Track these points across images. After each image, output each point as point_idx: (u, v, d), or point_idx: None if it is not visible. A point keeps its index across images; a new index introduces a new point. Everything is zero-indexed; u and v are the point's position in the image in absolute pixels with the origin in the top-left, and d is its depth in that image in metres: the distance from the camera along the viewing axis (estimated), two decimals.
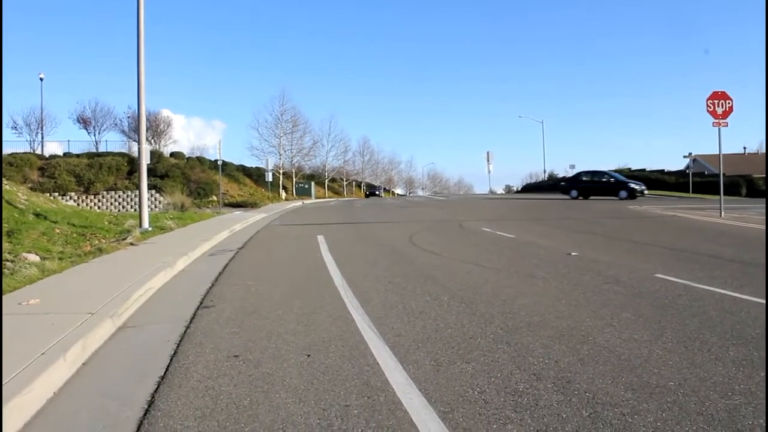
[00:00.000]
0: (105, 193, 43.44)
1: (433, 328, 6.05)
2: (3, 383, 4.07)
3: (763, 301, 6.84)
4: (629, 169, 63.10)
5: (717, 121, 19.40)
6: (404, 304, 7.31)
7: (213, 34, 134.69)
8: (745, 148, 69.96)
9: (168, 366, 5.08)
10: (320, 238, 15.92)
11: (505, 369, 4.69)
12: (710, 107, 19.31)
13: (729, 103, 19.31)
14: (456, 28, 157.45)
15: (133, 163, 42.00)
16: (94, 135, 56.46)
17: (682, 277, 8.62)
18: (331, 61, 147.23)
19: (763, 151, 70.54)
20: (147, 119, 46.83)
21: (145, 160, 17.67)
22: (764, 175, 50.01)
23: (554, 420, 3.66)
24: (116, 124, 57.31)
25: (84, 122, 56.14)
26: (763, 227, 16.24)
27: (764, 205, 24.07)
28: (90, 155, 48.10)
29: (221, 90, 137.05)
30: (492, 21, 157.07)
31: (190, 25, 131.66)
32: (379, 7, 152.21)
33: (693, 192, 47.16)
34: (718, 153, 20.56)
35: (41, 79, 55.23)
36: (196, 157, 56.46)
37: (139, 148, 17.92)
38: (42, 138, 55.19)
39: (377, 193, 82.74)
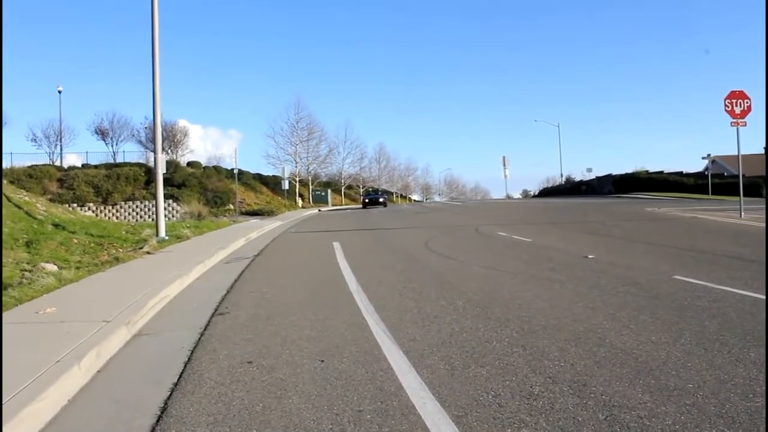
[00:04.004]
0: (123, 203, 43.81)
1: (448, 333, 6.00)
2: (17, 391, 4.08)
3: None
4: (647, 171, 62.52)
5: (735, 120, 19.18)
6: (419, 308, 7.27)
7: (228, 44, 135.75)
8: (765, 148, 68.88)
9: (182, 373, 5.07)
10: (336, 245, 15.91)
11: (520, 372, 4.63)
12: (728, 107, 19.09)
13: (747, 103, 19.09)
14: (472, 32, 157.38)
15: (150, 173, 42.32)
16: (112, 146, 57.03)
17: (701, 278, 8.49)
18: (347, 68, 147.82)
19: None
20: (164, 129, 47.19)
21: (161, 170, 17.78)
22: None
23: (570, 423, 3.60)
24: (133, 135, 57.82)
25: (102, 133, 56.71)
26: None
27: None
28: (108, 166, 48.56)
29: (237, 99, 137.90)
30: (507, 24, 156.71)
31: (206, 36, 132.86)
32: (393, 12, 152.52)
33: (712, 194, 46.58)
34: (736, 154, 20.34)
35: (59, 92, 55.86)
36: (213, 167, 56.80)
37: (155, 158, 18.04)
38: (61, 150, 55.78)
39: (380, 200, 55.82)
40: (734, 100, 19.11)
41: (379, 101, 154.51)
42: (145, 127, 54.55)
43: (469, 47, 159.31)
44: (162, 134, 19.70)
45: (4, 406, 3.80)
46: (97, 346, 5.49)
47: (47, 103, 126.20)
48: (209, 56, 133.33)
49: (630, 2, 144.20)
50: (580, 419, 3.65)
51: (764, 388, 4.04)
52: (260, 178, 62.48)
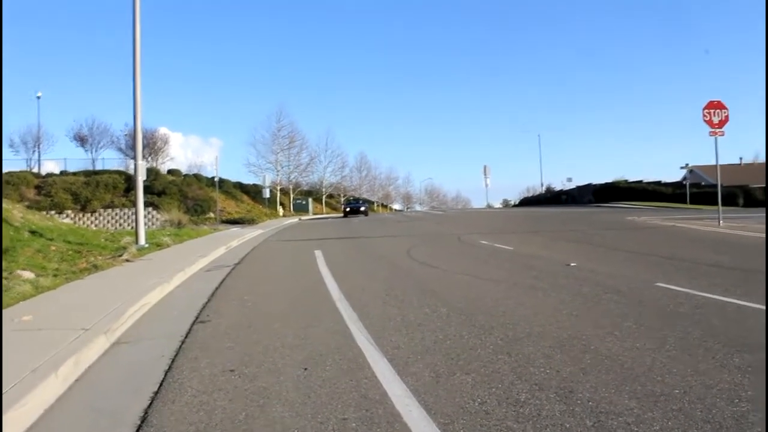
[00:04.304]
0: (102, 210, 43.31)
1: (432, 340, 5.95)
2: None
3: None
4: (626, 180, 63.13)
5: (714, 130, 19.44)
6: (403, 316, 7.21)
7: (209, 52, 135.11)
8: (741, 158, 69.94)
9: (162, 381, 4.97)
10: (317, 253, 15.83)
11: (506, 379, 4.60)
12: (706, 117, 19.34)
13: (725, 113, 19.35)
14: (453, 41, 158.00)
15: (130, 180, 41.89)
16: (91, 153, 56.43)
17: (683, 285, 8.53)
18: (329, 77, 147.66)
19: (760, 161, 70.70)
20: (144, 137, 46.82)
21: (141, 177, 17.61)
22: (762, 185, 50.17)
23: (557, 430, 3.56)
24: (113, 142, 57.27)
25: (81, 140, 56.10)
26: (763, 236, 16.17)
27: (763, 214, 24.02)
28: (87, 173, 48.07)
29: (219, 108, 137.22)
30: (488, 33, 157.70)
31: (188, 43, 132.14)
32: (375, 22, 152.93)
33: (690, 203, 47.11)
34: (714, 164, 20.58)
35: (38, 98, 55.28)
36: (193, 175, 56.48)
37: (135, 165, 17.86)
38: (39, 156, 55.16)
39: (361, 209, 54.53)
40: (712, 110, 19.36)
41: (360, 110, 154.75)
42: (125, 135, 54.13)
43: (449, 56, 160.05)
44: (142, 141, 19.51)
45: None
46: (75, 355, 5.37)
47: (25, 108, 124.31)
48: (190, 64, 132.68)
49: (610, 12, 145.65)
50: (568, 426, 3.62)
51: (750, 393, 4.04)
52: (241, 186, 62.18)
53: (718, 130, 19.37)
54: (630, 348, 5.36)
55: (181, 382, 4.94)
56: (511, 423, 3.71)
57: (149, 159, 54.22)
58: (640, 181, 61.69)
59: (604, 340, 5.69)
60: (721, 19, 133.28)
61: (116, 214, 43.41)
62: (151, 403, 4.42)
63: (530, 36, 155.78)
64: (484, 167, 62.35)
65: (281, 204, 61.87)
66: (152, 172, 47.20)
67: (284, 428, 3.80)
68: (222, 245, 18.71)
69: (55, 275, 10.57)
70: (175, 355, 5.81)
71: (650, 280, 9.17)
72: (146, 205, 33.81)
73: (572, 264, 11.36)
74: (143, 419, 4.09)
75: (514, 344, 5.67)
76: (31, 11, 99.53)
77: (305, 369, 5.14)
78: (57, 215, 38.43)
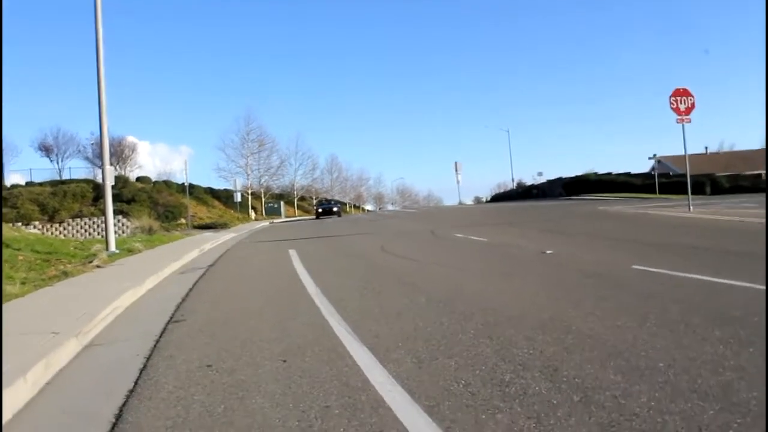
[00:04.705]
0: (70, 220, 42.58)
1: (412, 328, 5.87)
2: None
3: (743, 284, 6.80)
4: (596, 173, 63.79)
5: (681, 117, 19.66)
6: (381, 307, 7.13)
7: (174, 59, 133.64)
8: (706, 147, 71.06)
9: (137, 380, 4.82)
10: (292, 252, 15.67)
11: (489, 361, 4.53)
12: (673, 104, 19.56)
13: (691, 100, 19.58)
14: (419, 41, 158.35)
15: (98, 189, 41.20)
16: (58, 163, 55.42)
17: (659, 267, 8.56)
18: (297, 81, 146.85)
19: (725, 149, 72.01)
20: (111, 145, 46.14)
21: (110, 181, 17.29)
22: (728, 174, 51.10)
23: (545, 407, 3.50)
24: (80, 151, 56.19)
25: (46, 150, 55.06)
26: (732, 219, 16.40)
27: (731, 201, 24.38)
28: (54, 183, 47.26)
29: (186, 115, 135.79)
30: (455, 32, 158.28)
31: (153, 50, 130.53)
32: (341, 24, 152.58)
33: (659, 193, 47.70)
34: (681, 154, 20.83)
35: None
36: (163, 181, 55.89)
37: (102, 170, 17.53)
38: (2, 168, 54.02)
39: (334, 210, 53.78)
40: (679, 98, 19.59)
41: (330, 113, 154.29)
42: (92, 144, 53.20)
43: (416, 56, 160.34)
44: (110, 149, 19.20)
45: None
46: (45, 358, 5.18)
47: None
48: (156, 72, 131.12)
49: (574, 6, 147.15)
50: (555, 402, 3.56)
51: (733, 363, 4.03)
52: (212, 192, 61.69)
53: (685, 117, 19.60)
54: (611, 326, 5.34)
55: (156, 379, 4.79)
56: (497, 402, 3.65)
57: (117, 167, 53.37)
58: (610, 173, 62.38)
59: (585, 320, 5.65)
60: (686, 5, 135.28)
61: (85, 224, 42.70)
62: (126, 401, 4.26)
63: (496, 33, 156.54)
64: (455, 163, 62.61)
65: (253, 208, 61.44)
66: (121, 180, 46.56)
67: (265, 418, 3.69)
68: (195, 248, 18.45)
69: (23, 283, 10.29)
70: (150, 354, 5.65)
71: (627, 263, 9.20)
72: (116, 213, 33.33)
73: (548, 251, 11.38)
74: (118, 417, 3.94)
75: (495, 328, 5.61)
76: None
77: (284, 361, 5.02)
78: (24, 227, 37.72)
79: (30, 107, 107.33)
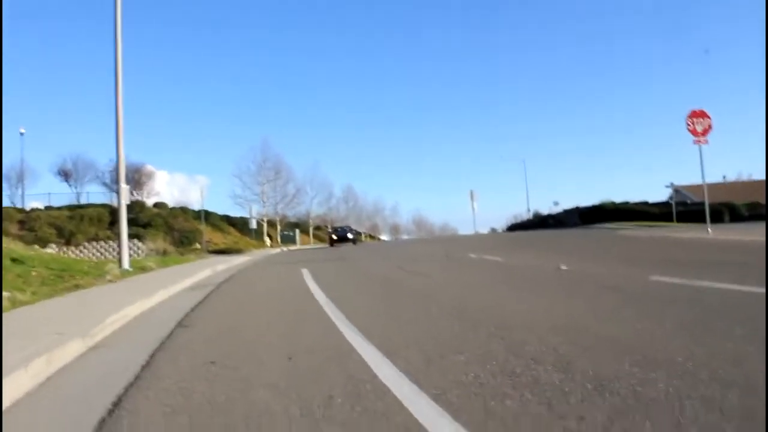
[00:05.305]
0: (86, 243, 42.79)
1: (423, 332, 5.72)
2: None
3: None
4: (613, 202, 63.27)
5: (697, 139, 19.48)
6: (393, 315, 7.01)
7: (193, 89, 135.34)
8: (724, 176, 70.52)
9: (138, 374, 4.72)
10: (304, 271, 15.55)
11: (500, 357, 4.37)
12: (690, 125, 19.39)
13: (708, 122, 19.42)
14: (435, 72, 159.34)
15: (114, 213, 41.36)
16: (76, 188, 55.92)
17: (678, 277, 8.35)
18: (314, 111, 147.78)
19: (743, 179, 71.34)
20: (129, 171, 46.50)
21: (125, 200, 17.37)
22: (747, 202, 50.49)
23: (557, 394, 3.35)
24: (98, 177, 56.52)
25: (65, 175, 55.65)
26: (754, 239, 16.11)
27: (750, 226, 24.03)
28: (71, 207, 47.66)
29: (204, 145, 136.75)
30: (472, 64, 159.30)
31: (169, 79, 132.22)
32: (358, 56, 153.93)
33: (677, 221, 47.15)
34: (698, 183, 20.61)
35: (22, 134, 54.97)
36: (179, 207, 56.18)
37: (118, 188, 17.64)
38: (22, 192, 54.64)
39: (349, 236, 49.97)
40: (696, 119, 19.43)
41: (346, 142, 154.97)
42: (110, 170, 53.62)
43: (432, 89, 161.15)
44: (127, 174, 19.36)
45: None
46: (47, 354, 5.10)
47: (8, 145, 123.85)
48: (176, 102, 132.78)
49: (590, 36, 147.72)
50: (567, 389, 3.41)
51: (757, 357, 3.85)
52: (228, 219, 61.88)
53: (702, 138, 19.41)
54: (629, 329, 5.15)
55: (158, 373, 4.68)
56: (507, 390, 3.50)
57: (135, 193, 53.73)
58: (627, 202, 61.80)
59: (602, 325, 5.48)
60: (703, 32, 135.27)
61: (101, 247, 42.91)
62: (125, 392, 4.16)
63: (514, 64, 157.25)
64: (471, 192, 61.94)
65: (268, 236, 61.49)
66: (137, 205, 46.90)
67: (267, 407, 3.56)
68: (208, 268, 18.41)
69: (33, 293, 10.27)
70: (154, 353, 5.55)
71: (644, 275, 8.99)
72: (131, 236, 33.49)
73: (563, 267, 11.18)
74: (116, 404, 3.83)
75: (507, 331, 5.44)
76: (12, 45, 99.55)
77: (290, 359, 4.90)
78: (41, 249, 37.94)
79: (51, 134, 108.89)
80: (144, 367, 4.95)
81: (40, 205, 51.55)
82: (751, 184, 66.33)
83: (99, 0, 56.04)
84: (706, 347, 4.22)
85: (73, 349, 5.75)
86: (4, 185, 53.95)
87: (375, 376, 4.09)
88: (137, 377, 4.58)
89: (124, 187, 17.56)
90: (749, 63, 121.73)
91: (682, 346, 4.28)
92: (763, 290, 6.64)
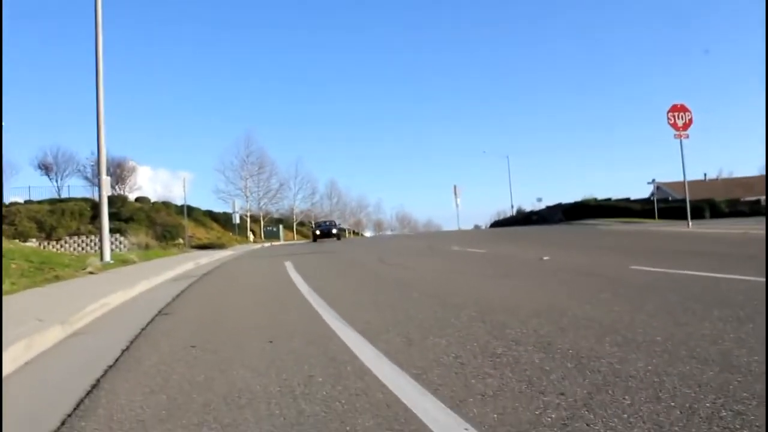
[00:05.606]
0: (68, 238, 42.35)
1: (404, 316, 5.73)
2: None
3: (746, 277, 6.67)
4: (595, 198, 63.63)
5: (678, 133, 19.62)
6: (373, 301, 7.00)
7: (175, 84, 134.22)
8: (705, 174, 71.11)
9: (118, 357, 4.68)
10: (288, 264, 15.50)
11: (482, 339, 4.39)
12: (671, 119, 19.54)
13: (689, 116, 19.57)
14: (418, 67, 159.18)
15: (96, 207, 40.98)
16: (57, 181, 55.19)
17: (658, 267, 8.43)
18: (298, 106, 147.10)
19: (723, 176, 72.08)
20: (111, 165, 46.22)
21: (106, 191, 17.22)
22: (727, 199, 51.03)
23: (537, 372, 3.37)
24: (79, 170, 55.80)
25: (46, 168, 54.87)
26: (731, 231, 16.29)
27: (730, 222, 24.29)
28: (52, 201, 47.08)
29: (188, 142, 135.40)
30: (455, 58, 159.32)
31: (150, 75, 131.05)
32: (341, 51, 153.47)
33: (659, 218, 47.53)
34: (680, 180, 20.77)
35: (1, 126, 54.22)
36: (162, 202, 55.71)
37: (99, 180, 17.47)
38: (1, 185, 53.87)
39: (333, 231, 48.13)
40: (676, 113, 19.57)
41: (330, 138, 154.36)
42: (92, 164, 53.10)
43: (415, 83, 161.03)
44: (109, 168, 19.21)
45: None
46: (27, 339, 5.04)
47: None
48: (157, 96, 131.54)
49: (572, 32, 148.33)
50: (548, 368, 3.43)
51: (732, 336, 3.89)
52: (211, 214, 61.51)
53: (682, 132, 19.57)
54: (608, 311, 5.19)
55: (138, 357, 4.65)
56: (488, 369, 3.51)
57: (117, 187, 53.23)
58: (609, 199, 62.18)
59: (582, 308, 5.51)
60: (691, 31, 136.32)
61: (82, 241, 42.50)
62: (104, 374, 4.12)
63: (496, 59, 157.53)
64: (454, 187, 61.97)
65: (251, 231, 61.21)
66: (119, 199, 46.55)
67: (246, 386, 3.54)
68: (191, 261, 18.29)
69: (13, 284, 10.14)
70: (134, 339, 5.51)
71: (625, 264, 9.07)
72: (113, 231, 33.26)
73: (545, 258, 11.24)
74: (94, 386, 3.80)
75: (488, 315, 5.46)
76: None
77: (270, 342, 4.88)
78: (21, 243, 37.52)
79: (31, 127, 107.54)
80: (124, 352, 4.91)
81: (20, 199, 50.92)
82: (730, 181, 67.15)
83: None
84: (685, 328, 4.26)
85: (53, 335, 5.68)
86: None
87: (356, 358, 4.09)
88: (117, 361, 4.54)
89: (106, 179, 17.40)
90: (732, 62, 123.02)
91: (661, 328, 4.32)
92: (739, 276, 6.75)
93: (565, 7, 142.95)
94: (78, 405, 3.40)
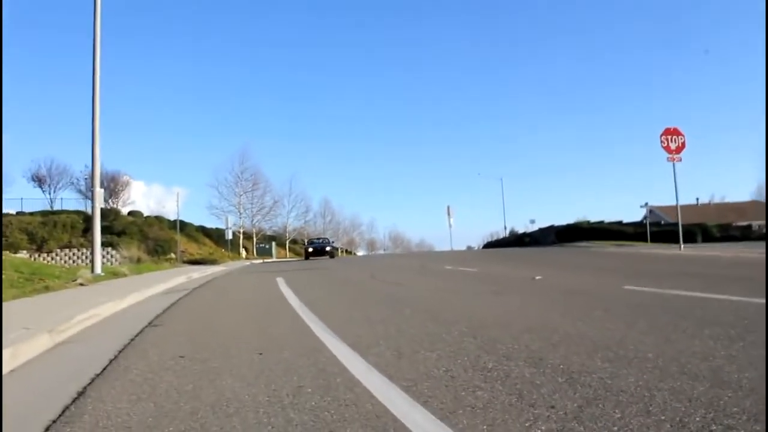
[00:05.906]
0: (59, 250, 42.08)
1: (396, 330, 5.70)
2: None
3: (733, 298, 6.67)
4: (588, 221, 63.74)
5: (671, 156, 19.73)
6: (365, 316, 6.97)
7: (171, 99, 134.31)
8: (697, 199, 71.43)
9: (106, 366, 4.65)
10: (279, 279, 15.43)
11: (472, 354, 4.37)
12: (664, 143, 19.65)
13: (681, 139, 19.70)
14: (413, 89, 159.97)
15: (88, 221, 40.69)
16: (50, 193, 54.93)
17: (651, 287, 8.43)
18: (293, 125, 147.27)
19: (716, 201, 72.45)
20: (105, 179, 46.06)
21: (99, 203, 17.16)
22: (720, 223, 51.21)
23: (527, 386, 3.35)
24: (72, 183, 55.57)
25: (39, 180, 54.68)
26: (723, 255, 16.34)
27: (722, 245, 24.37)
28: (44, 213, 46.85)
29: (181, 157, 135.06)
30: (450, 80, 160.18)
31: (146, 89, 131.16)
32: (336, 72, 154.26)
33: (651, 241, 47.63)
34: (672, 204, 20.86)
35: None
36: (155, 216, 55.53)
37: (92, 192, 17.42)
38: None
39: (326, 248, 46.71)
40: (669, 137, 19.69)
41: (324, 157, 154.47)
42: (85, 177, 52.86)
43: (411, 105, 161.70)
44: (103, 182, 19.15)
45: None
46: (12, 347, 5.00)
47: None
48: (154, 111, 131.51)
49: (567, 55, 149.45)
50: (539, 382, 3.41)
51: (723, 353, 3.89)
52: (203, 230, 61.31)
53: (675, 156, 19.68)
54: (600, 329, 5.19)
55: (126, 366, 4.62)
56: (478, 383, 3.49)
57: (110, 201, 53.02)
58: (602, 222, 62.29)
59: (574, 325, 5.49)
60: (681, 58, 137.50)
61: (74, 254, 42.24)
62: (91, 382, 4.09)
63: (491, 81, 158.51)
64: (447, 207, 62.16)
65: (244, 248, 61.07)
66: (112, 213, 46.39)
67: (234, 395, 3.52)
68: (182, 275, 18.24)
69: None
70: (123, 348, 5.48)
71: (617, 284, 9.08)
72: (105, 244, 33.10)
73: (538, 277, 11.23)
74: (80, 393, 3.77)
75: (480, 330, 5.44)
76: None
77: (260, 354, 4.85)
78: (11, 254, 37.28)
79: (25, 138, 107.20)
80: (112, 361, 4.87)
81: (12, 211, 50.65)
82: (723, 206, 67.43)
83: (78, 4, 55.32)
84: (676, 345, 4.25)
85: (40, 343, 5.64)
86: None
87: (346, 370, 4.06)
88: (104, 369, 4.51)
89: (99, 191, 17.36)
90: (725, 84, 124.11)
91: (653, 345, 4.31)
92: (731, 297, 6.75)
93: (560, 29, 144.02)
94: (63, 411, 3.37)
